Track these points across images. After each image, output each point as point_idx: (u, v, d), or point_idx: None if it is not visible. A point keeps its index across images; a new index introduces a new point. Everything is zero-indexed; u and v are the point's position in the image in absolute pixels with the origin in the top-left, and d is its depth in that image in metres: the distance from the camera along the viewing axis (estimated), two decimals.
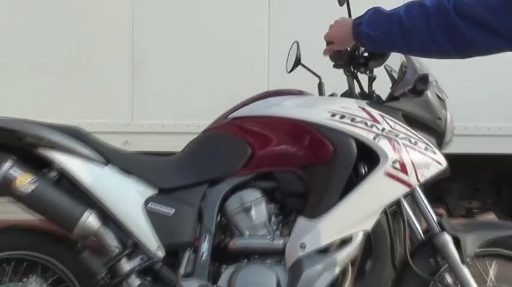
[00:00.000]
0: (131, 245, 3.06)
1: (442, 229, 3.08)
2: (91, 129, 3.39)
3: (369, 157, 3.03)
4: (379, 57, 3.18)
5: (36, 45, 4.66)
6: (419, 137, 3.07)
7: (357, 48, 3.16)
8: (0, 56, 4.64)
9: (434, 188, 3.36)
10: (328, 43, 3.07)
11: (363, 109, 3.08)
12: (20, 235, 3.27)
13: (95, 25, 4.76)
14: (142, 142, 4.49)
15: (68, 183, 3.11)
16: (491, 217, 5.49)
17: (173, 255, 3.12)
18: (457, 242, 3.06)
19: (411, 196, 3.10)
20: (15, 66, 4.66)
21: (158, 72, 4.77)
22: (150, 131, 4.69)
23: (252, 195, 3.13)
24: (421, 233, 3.15)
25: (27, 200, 3.05)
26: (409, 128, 3.07)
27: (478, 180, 5.38)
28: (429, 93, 3.14)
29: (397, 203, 3.10)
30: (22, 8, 4.68)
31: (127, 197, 3.13)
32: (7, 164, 3.01)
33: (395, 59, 3.24)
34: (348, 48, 3.14)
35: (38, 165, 3.11)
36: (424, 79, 3.10)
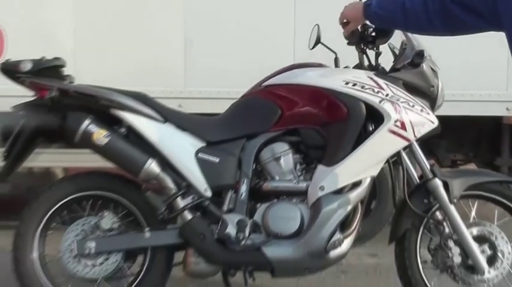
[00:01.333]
0: (185, 187, 3.31)
1: (434, 175, 3.30)
2: (151, 95, 3.52)
3: (375, 117, 3.22)
4: (383, 36, 3.35)
5: (111, 31, 5.05)
6: (416, 101, 3.25)
7: (366, 29, 3.32)
8: (84, 40, 5.03)
9: (427, 143, 3.47)
10: (344, 24, 3.23)
11: (371, 78, 3.27)
12: (97, 179, 3.54)
13: (155, 12, 5.06)
14: (193, 105, 4.70)
15: (134, 137, 3.35)
16: (472, 166, 5.57)
17: (218, 195, 3.35)
18: (446, 186, 3.29)
19: (409, 149, 3.31)
20: (95, 46, 5.02)
21: (205, 50, 5.04)
22: (199, 96, 5.01)
23: (281, 147, 3.36)
24: (417, 179, 3.37)
25: (102, 151, 3.33)
26: (408, 94, 3.26)
27: (462, 137, 5.52)
28: (424, 66, 3.32)
29: (398, 154, 3.32)
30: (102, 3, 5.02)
31: (181, 148, 3.36)
32: (86, 122, 3.27)
33: (397, 38, 3.39)
34: (359, 29, 3.28)
35: (111, 123, 3.36)
36: (420, 54, 3.29)
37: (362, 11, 3.06)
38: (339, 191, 3.25)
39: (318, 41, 3.45)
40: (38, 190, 3.70)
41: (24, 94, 3.51)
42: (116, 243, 3.43)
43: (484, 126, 5.45)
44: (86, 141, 3.32)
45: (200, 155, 3.35)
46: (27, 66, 3.34)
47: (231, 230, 3.26)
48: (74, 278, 3.46)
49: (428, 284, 3.43)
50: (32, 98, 3.45)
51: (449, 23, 2.72)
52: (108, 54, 5.05)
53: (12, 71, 3.39)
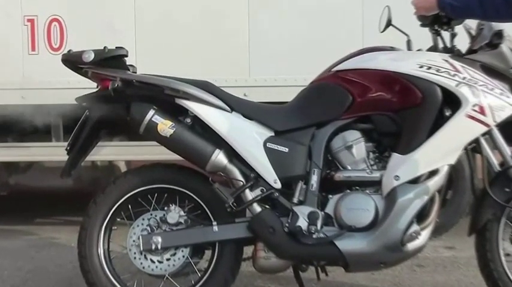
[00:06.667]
0: (253, 178, 3.23)
1: None
2: (216, 84, 3.46)
3: (452, 102, 3.10)
4: None
5: (174, 19, 4.96)
6: (495, 84, 3.12)
7: None
8: (146, 28, 4.95)
9: (508, 128, 3.36)
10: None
11: (446, 61, 3.16)
12: (162, 171, 3.47)
13: (222, 8, 4.99)
14: (258, 94, 4.63)
15: (200, 127, 3.28)
16: None
17: (287, 186, 3.26)
18: None
19: (488, 135, 3.16)
20: (157, 34, 4.96)
21: (270, 39, 4.95)
22: (264, 85, 4.93)
23: (353, 135, 3.25)
24: (497, 166, 3.20)
25: (167, 142, 3.26)
26: (486, 77, 3.13)
27: None
28: (504, 47, 3.18)
29: (476, 141, 3.16)
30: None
31: (249, 138, 3.27)
32: (151, 113, 3.21)
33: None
34: None
35: (175, 113, 3.29)
36: (499, 34, 3.16)
37: (436, 2, 3.01)
38: (415, 181, 3.14)
39: (389, 24, 3.39)
40: (102, 184, 3.67)
41: (87, 86, 3.51)
42: (182, 238, 3.37)
43: None
44: (151, 133, 3.27)
45: (268, 144, 3.27)
46: (90, 57, 3.28)
47: (302, 223, 3.16)
48: (140, 275, 3.44)
49: None
50: (95, 90, 3.42)
51: None
52: (171, 43, 5.08)
53: (74, 62, 3.37)
